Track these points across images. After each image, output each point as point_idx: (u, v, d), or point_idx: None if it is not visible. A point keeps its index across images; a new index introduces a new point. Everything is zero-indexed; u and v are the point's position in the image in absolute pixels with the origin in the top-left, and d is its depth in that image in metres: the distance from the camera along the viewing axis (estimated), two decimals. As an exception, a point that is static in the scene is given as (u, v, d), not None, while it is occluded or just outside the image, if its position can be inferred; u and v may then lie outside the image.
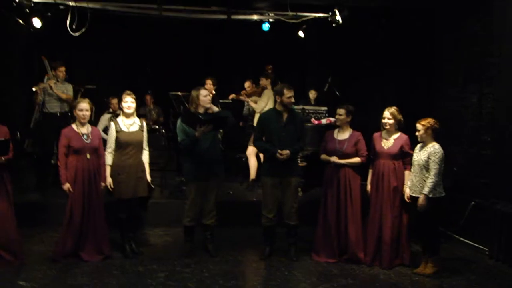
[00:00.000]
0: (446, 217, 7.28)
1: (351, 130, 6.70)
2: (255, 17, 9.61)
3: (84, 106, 6.27)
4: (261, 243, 6.77)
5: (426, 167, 6.16)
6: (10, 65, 9.08)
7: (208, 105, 6.46)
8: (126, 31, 10.21)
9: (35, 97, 8.35)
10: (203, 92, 6.46)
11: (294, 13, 9.13)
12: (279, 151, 6.32)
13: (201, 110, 6.44)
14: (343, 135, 6.69)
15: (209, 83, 8.96)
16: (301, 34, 10.39)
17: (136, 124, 6.49)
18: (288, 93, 6.45)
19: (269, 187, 6.54)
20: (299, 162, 8.43)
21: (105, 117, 9.29)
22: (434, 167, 6.10)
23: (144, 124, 6.59)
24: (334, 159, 6.59)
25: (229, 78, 9.66)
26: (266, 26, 10.46)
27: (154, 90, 10.35)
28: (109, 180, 6.35)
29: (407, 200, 6.35)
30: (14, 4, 7.81)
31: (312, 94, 9.95)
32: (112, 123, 6.42)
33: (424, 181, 6.15)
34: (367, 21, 8.95)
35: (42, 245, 6.84)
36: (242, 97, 9.08)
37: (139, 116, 6.71)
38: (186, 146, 6.41)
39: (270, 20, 9.59)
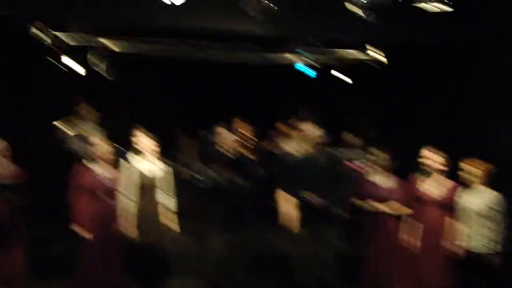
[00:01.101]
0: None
1: (392, 175, 6.16)
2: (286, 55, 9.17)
3: (98, 143, 5.89)
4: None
5: (486, 217, 5.47)
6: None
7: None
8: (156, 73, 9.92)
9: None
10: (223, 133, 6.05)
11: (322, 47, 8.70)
12: (311, 195, 5.79)
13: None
14: (385, 180, 6.13)
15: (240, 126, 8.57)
16: (335, 73, 9.97)
17: (159, 167, 6.06)
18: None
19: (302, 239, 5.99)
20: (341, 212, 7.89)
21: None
22: (503, 219, 5.44)
23: (169, 167, 6.16)
24: (383, 207, 5.99)
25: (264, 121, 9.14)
26: (299, 65, 10.08)
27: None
28: (130, 225, 5.90)
29: (460, 254, 5.64)
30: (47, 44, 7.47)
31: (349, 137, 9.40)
32: (131, 166, 6.02)
33: (487, 233, 5.45)
34: (404, 59, 8.44)
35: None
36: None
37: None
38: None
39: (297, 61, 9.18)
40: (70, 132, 7.98)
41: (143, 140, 6.01)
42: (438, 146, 6.01)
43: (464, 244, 5.61)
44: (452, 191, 5.81)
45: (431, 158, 5.90)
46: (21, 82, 8.37)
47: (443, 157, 5.91)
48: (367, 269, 6.05)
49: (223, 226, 5.97)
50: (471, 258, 5.55)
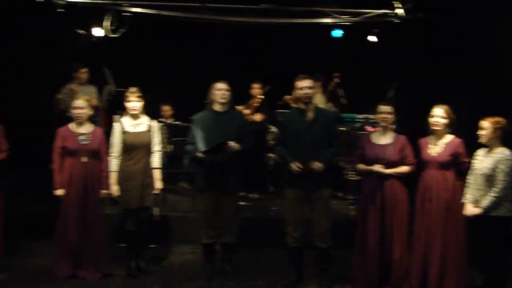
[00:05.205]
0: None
1: (394, 133, 5.54)
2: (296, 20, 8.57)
3: (78, 104, 5.64)
4: (287, 268, 5.70)
5: (492, 178, 4.88)
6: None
7: (223, 100, 5.59)
8: (174, 37, 9.56)
9: (58, 105, 7.79)
10: (218, 85, 5.61)
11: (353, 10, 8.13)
12: (295, 162, 5.29)
13: (217, 107, 5.61)
14: (385, 139, 5.51)
15: (255, 87, 8.20)
16: (373, 38, 9.32)
17: (144, 124, 5.75)
18: (299, 84, 5.41)
19: (293, 202, 5.47)
20: (351, 175, 7.34)
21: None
22: (502, 178, 4.82)
23: (154, 124, 5.84)
24: (379, 168, 5.40)
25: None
26: (337, 33, 9.49)
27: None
28: (114, 188, 5.64)
29: (469, 215, 5.01)
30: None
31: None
32: (116, 124, 5.74)
33: (492, 195, 4.86)
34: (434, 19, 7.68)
35: (41, 259, 6.14)
36: (289, 102, 8.04)
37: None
38: (190, 155, 5.73)
39: (330, 20, 8.57)
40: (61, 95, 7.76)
41: (132, 100, 5.70)
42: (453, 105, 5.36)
43: (470, 207, 5.00)
44: (457, 150, 5.21)
45: (443, 115, 5.25)
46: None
47: (452, 114, 5.26)
48: (365, 233, 5.47)
49: (205, 188, 5.60)
50: (480, 222, 4.97)
